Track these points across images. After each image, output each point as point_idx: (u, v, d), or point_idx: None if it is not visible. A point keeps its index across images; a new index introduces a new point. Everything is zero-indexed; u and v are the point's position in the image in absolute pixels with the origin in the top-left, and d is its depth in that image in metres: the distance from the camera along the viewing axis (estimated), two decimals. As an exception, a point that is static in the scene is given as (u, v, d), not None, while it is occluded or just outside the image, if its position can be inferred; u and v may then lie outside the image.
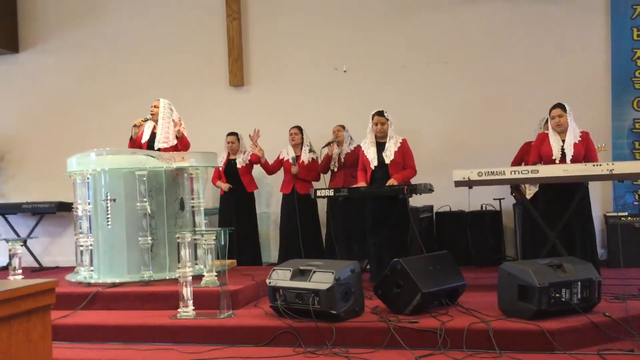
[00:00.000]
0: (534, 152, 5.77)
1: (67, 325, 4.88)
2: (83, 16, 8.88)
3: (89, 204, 5.88)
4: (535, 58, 7.48)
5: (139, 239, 5.64)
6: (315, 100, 8.08)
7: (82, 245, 5.90)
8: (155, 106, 6.30)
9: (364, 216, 6.37)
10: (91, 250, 5.88)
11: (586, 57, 7.36)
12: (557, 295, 4.20)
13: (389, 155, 6.03)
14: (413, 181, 6.09)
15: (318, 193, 6.01)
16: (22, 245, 5.88)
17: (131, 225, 5.70)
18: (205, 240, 5.31)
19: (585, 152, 5.52)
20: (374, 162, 6.06)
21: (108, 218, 5.75)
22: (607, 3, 7.30)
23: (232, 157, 7.52)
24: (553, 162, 5.49)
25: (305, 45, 8.19)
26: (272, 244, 8.15)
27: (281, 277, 4.68)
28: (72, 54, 8.92)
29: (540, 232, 5.56)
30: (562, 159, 5.48)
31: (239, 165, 7.44)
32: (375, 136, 6.14)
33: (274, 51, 8.29)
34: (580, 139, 5.53)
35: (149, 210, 5.68)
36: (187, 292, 4.91)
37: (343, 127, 7.28)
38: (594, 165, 5.10)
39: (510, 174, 5.27)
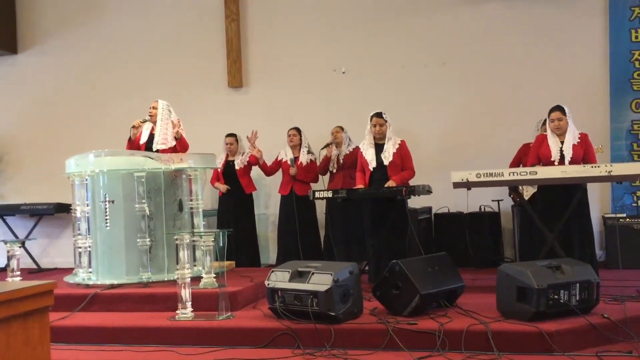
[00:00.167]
0: (533, 153, 5.77)
1: (65, 327, 4.87)
2: (81, 17, 8.88)
3: (87, 206, 5.88)
4: (533, 59, 7.49)
5: (138, 240, 5.64)
6: (313, 101, 8.08)
7: (80, 247, 5.90)
8: (153, 107, 6.30)
9: (363, 218, 6.37)
10: (89, 251, 5.88)
11: (584, 58, 7.37)
12: (556, 296, 4.20)
13: (387, 157, 6.03)
14: (412, 182, 6.10)
15: (316, 194, 6.01)
16: (20, 247, 5.87)
17: (130, 226, 5.70)
18: (204, 242, 5.30)
19: (584, 153, 5.53)
20: (372, 164, 6.07)
21: (106, 219, 5.75)
22: (605, 5, 7.31)
23: (230, 158, 7.52)
24: (552, 163, 5.50)
25: (304, 46, 8.19)
26: (270, 246, 8.15)
27: (280, 279, 4.68)
28: (71, 55, 8.92)
29: (539, 233, 5.56)
30: (561, 161, 5.48)
31: (237, 167, 7.44)
32: (374, 137, 6.14)
33: (272, 52, 8.30)
34: (579, 140, 5.54)
35: (147, 212, 5.67)
36: (185, 293, 4.91)
37: (342, 128, 7.28)
38: (592, 167, 5.10)
39: (509, 175, 5.27)
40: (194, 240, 5.47)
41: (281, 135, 7.47)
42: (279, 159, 7.41)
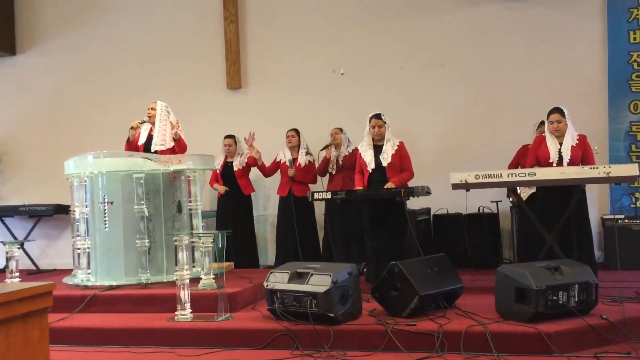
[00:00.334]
0: (532, 155, 5.78)
1: (64, 328, 4.87)
2: (80, 18, 8.88)
3: (86, 207, 5.88)
4: (532, 61, 7.49)
5: (137, 241, 5.64)
6: (312, 102, 8.08)
7: (79, 248, 5.90)
8: (152, 108, 6.30)
9: (362, 219, 6.37)
10: (88, 253, 5.88)
11: (583, 60, 7.38)
12: (555, 297, 4.21)
13: (386, 158, 6.04)
14: (410, 184, 6.10)
15: (315, 196, 6.02)
16: (19, 248, 5.87)
17: (128, 227, 5.70)
18: (203, 243, 5.30)
19: (582, 155, 5.53)
20: (371, 165, 6.07)
21: (105, 221, 5.75)
22: (603, 6, 7.32)
23: (229, 159, 7.53)
24: (550, 165, 5.50)
25: (303, 47, 8.19)
26: (269, 247, 8.15)
27: (279, 280, 4.68)
28: (70, 56, 8.92)
29: (537, 234, 5.56)
30: (559, 162, 5.49)
31: (235, 168, 7.44)
32: (373, 139, 6.14)
33: (271, 54, 8.30)
34: (577, 142, 5.54)
35: (146, 213, 5.67)
36: (184, 294, 4.91)
37: (341, 129, 7.28)
38: (590, 168, 5.10)
39: (508, 176, 5.28)
40: (192, 242, 5.47)
41: (280, 136, 7.47)
42: (277, 160, 7.41)
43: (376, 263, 6.00)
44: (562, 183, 5.19)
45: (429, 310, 4.64)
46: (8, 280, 5.52)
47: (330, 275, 4.42)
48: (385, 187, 5.91)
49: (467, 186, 5.36)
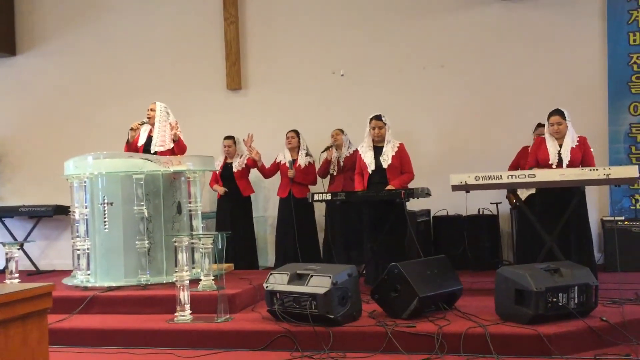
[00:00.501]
0: (531, 156, 5.79)
1: (63, 329, 4.87)
2: (80, 19, 8.89)
3: (86, 208, 5.88)
4: (532, 63, 7.50)
5: (136, 242, 5.64)
6: (312, 104, 8.09)
7: (79, 249, 5.90)
8: (151, 109, 6.30)
9: (362, 220, 6.37)
10: (88, 253, 5.88)
11: (583, 61, 7.38)
12: (554, 299, 4.20)
13: (386, 160, 6.03)
14: (410, 185, 6.09)
15: (315, 197, 6.02)
16: (18, 249, 5.86)
17: (128, 228, 5.69)
18: (203, 244, 5.30)
19: (582, 156, 5.53)
20: (371, 166, 6.07)
21: (105, 222, 5.74)
22: (603, 8, 7.33)
23: (228, 160, 7.52)
24: (550, 167, 5.50)
25: (303, 49, 8.20)
26: (269, 248, 8.14)
27: (278, 281, 4.68)
28: (70, 57, 8.92)
29: (537, 236, 5.56)
30: (559, 164, 5.49)
31: (234, 169, 7.44)
32: (373, 140, 6.14)
33: (271, 55, 8.31)
34: (577, 143, 5.54)
35: (146, 214, 5.67)
36: (184, 296, 4.90)
37: (342, 130, 7.28)
38: (590, 170, 5.10)
39: (507, 178, 5.28)
40: (192, 243, 5.47)
41: (280, 137, 7.47)
42: (277, 161, 7.41)
43: (376, 264, 5.99)
44: (562, 185, 5.19)
45: (428, 312, 4.64)
46: (7, 281, 5.50)
47: (330, 277, 4.42)
48: (385, 189, 5.91)
49: (466, 188, 5.36)
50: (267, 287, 4.72)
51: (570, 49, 7.41)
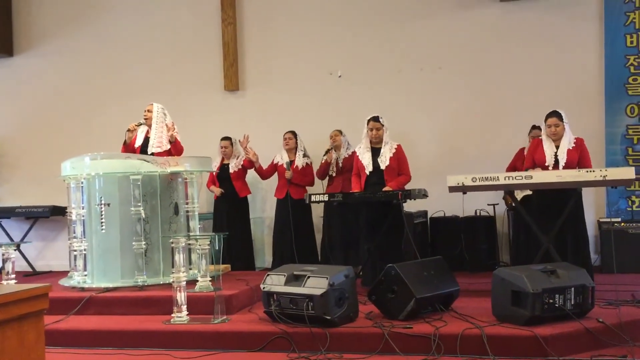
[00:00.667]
0: (528, 157, 5.80)
1: (60, 330, 4.86)
2: (78, 20, 8.88)
3: (83, 208, 5.87)
4: (529, 64, 7.51)
5: (133, 243, 5.63)
6: (310, 105, 8.09)
7: (75, 250, 5.89)
8: (148, 110, 6.30)
9: (359, 221, 6.37)
10: (85, 254, 5.87)
11: (580, 63, 7.39)
12: (551, 301, 4.21)
13: (384, 161, 6.04)
14: (407, 186, 6.10)
15: (312, 198, 6.02)
16: (15, 250, 5.86)
17: (125, 229, 5.69)
18: (200, 245, 5.30)
19: (579, 158, 5.53)
20: (368, 168, 6.07)
21: (102, 222, 5.74)
22: (600, 10, 7.34)
23: (225, 161, 7.53)
24: (546, 168, 5.51)
25: (301, 50, 8.20)
26: (266, 249, 8.14)
27: (275, 282, 4.68)
28: (67, 58, 8.92)
29: (534, 237, 5.57)
30: (555, 166, 5.50)
31: (231, 170, 7.44)
32: (370, 142, 6.14)
33: (269, 56, 8.31)
34: (574, 145, 5.55)
35: (143, 215, 5.66)
36: (181, 297, 4.90)
37: (340, 131, 7.29)
38: (587, 172, 5.11)
39: (504, 179, 5.28)
40: (189, 244, 5.47)
41: (277, 138, 7.48)
42: (274, 162, 7.41)
43: (373, 266, 6.00)
44: (559, 186, 5.20)
45: (425, 313, 4.64)
46: (4, 282, 5.49)
47: (327, 278, 4.42)
48: (382, 190, 5.91)
49: (464, 189, 5.37)
50: (264, 288, 4.72)
51: (568, 51, 7.42)
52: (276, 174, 7.42)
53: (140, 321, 4.99)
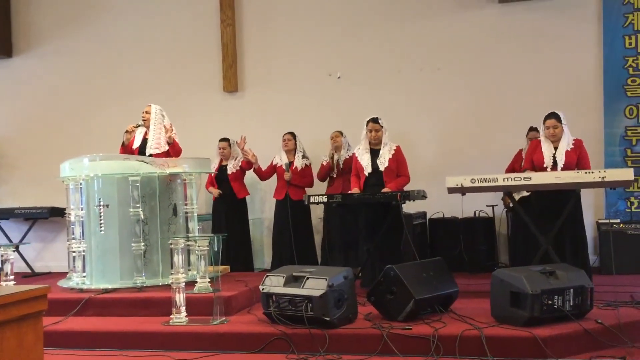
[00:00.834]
0: (527, 159, 5.81)
1: (59, 332, 4.86)
2: (77, 21, 8.88)
3: (81, 210, 5.87)
4: (528, 65, 7.52)
5: (132, 244, 5.63)
6: (309, 106, 8.09)
7: (74, 251, 5.88)
8: (146, 112, 6.30)
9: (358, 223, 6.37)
10: (84, 256, 5.86)
11: (579, 64, 7.40)
12: (550, 302, 4.21)
13: (383, 162, 6.04)
14: (406, 188, 6.09)
15: (311, 199, 6.02)
16: (14, 251, 5.86)
17: (124, 231, 5.68)
18: (199, 246, 5.30)
19: (577, 159, 5.54)
20: (368, 169, 6.07)
21: (101, 224, 5.73)
22: (599, 11, 7.35)
23: (224, 163, 7.53)
24: (544, 169, 5.51)
25: (300, 51, 8.21)
26: (265, 250, 8.14)
27: (274, 284, 4.68)
28: (66, 59, 8.92)
29: (532, 238, 5.57)
30: (554, 167, 5.50)
31: (229, 172, 7.44)
32: (370, 143, 6.14)
33: (268, 57, 8.31)
34: (572, 146, 5.55)
35: (142, 216, 5.66)
36: (180, 298, 4.90)
37: (341, 133, 7.29)
38: (586, 173, 5.11)
39: (503, 180, 5.29)
40: (188, 245, 5.46)
41: (276, 139, 7.48)
42: (273, 163, 7.41)
43: (372, 267, 6.00)
44: (558, 187, 5.21)
45: (424, 314, 4.64)
46: (3, 283, 5.50)
47: (326, 279, 4.42)
48: (381, 191, 5.91)
49: (463, 190, 5.38)
50: (263, 289, 4.72)
51: (566, 52, 7.43)
52: (275, 175, 7.42)
53: (139, 322, 4.99)
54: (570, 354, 4.02)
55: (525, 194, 6.21)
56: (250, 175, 7.59)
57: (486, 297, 4.64)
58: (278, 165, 7.34)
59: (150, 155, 6.10)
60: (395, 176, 6.06)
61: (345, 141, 7.25)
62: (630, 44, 7.25)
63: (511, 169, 6.82)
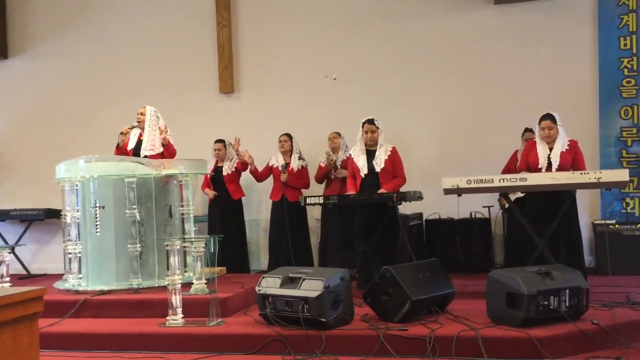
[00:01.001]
0: (522, 160, 5.82)
1: (55, 333, 4.85)
2: (73, 23, 8.87)
3: (77, 211, 5.86)
4: (523, 67, 7.53)
5: (128, 246, 5.62)
6: (305, 107, 8.09)
7: (70, 253, 5.88)
8: (141, 113, 6.29)
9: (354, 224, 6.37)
10: (80, 257, 5.86)
11: (574, 65, 7.41)
12: (546, 302, 4.22)
13: (379, 163, 6.04)
14: (403, 189, 6.10)
15: (308, 200, 6.02)
16: (10, 253, 5.84)
17: (120, 232, 5.68)
18: (195, 248, 5.30)
19: (572, 160, 5.55)
20: (364, 170, 6.07)
21: (97, 225, 5.73)
22: (594, 13, 7.37)
23: (219, 164, 7.52)
24: (539, 170, 5.52)
25: (296, 52, 8.21)
26: (262, 252, 8.14)
27: (271, 285, 4.68)
28: (62, 61, 8.90)
29: (527, 239, 5.58)
30: (549, 168, 5.51)
31: (224, 173, 7.43)
32: (365, 144, 6.14)
33: (264, 58, 8.31)
34: (567, 147, 5.56)
35: (138, 218, 5.66)
36: (176, 299, 4.90)
37: (339, 134, 7.29)
38: (581, 174, 5.13)
39: (499, 181, 5.29)
40: (184, 246, 5.46)
41: (272, 141, 7.47)
42: (270, 164, 7.41)
43: (368, 268, 5.99)
44: (553, 188, 5.22)
45: (420, 315, 4.65)
46: (-2, 285, 5.49)
47: (322, 280, 4.42)
48: (378, 192, 5.92)
49: (459, 191, 5.38)
50: (259, 290, 4.72)
51: (562, 53, 7.44)
52: (271, 176, 7.42)
53: (135, 324, 4.98)
54: (566, 355, 4.03)
55: (520, 194, 6.22)
56: (246, 177, 7.59)
57: (482, 297, 4.65)
58: (274, 166, 7.33)
59: (145, 156, 6.09)
60: (391, 177, 6.06)
61: (343, 142, 7.26)
62: (625, 45, 7.27)
63: (507, 169, 6.83)
